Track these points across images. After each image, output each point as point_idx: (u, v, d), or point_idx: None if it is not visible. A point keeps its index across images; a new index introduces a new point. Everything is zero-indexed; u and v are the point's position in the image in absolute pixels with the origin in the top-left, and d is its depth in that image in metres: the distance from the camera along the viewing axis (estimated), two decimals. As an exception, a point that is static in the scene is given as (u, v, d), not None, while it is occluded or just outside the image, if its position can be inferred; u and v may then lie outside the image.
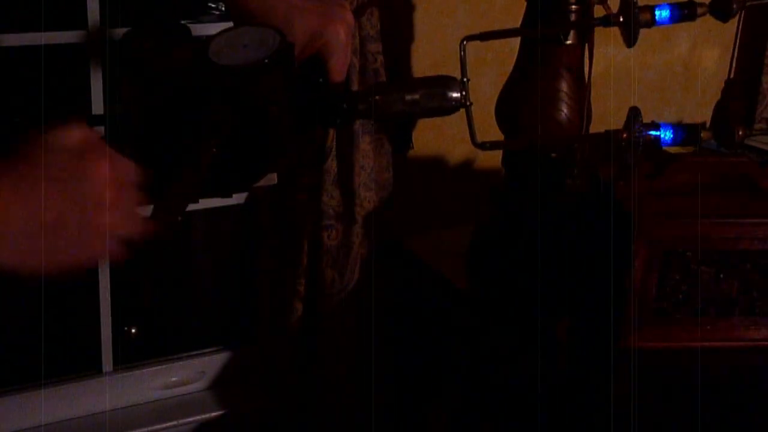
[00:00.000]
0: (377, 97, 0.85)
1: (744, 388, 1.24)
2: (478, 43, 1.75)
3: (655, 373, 1.25)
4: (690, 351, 1.26)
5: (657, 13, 1.13)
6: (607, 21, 1.09)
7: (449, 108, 0.87)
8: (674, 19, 1.14)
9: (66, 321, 2.08)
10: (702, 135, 1.04)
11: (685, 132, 1.02)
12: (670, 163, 1.42)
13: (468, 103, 0.87)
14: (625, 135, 0.96)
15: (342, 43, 0.86)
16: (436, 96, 0.86)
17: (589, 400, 1.24)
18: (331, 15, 0.86)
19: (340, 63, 0.87)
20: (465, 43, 0.92)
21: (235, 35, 0.82)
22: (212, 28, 1.71)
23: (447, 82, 0.86)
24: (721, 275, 1.25)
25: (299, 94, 0.83)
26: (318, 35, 0.85)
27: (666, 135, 1.04)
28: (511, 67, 1.46)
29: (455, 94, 0.86)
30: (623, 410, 1.19)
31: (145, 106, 0.81)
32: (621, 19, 1.08)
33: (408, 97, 0.85)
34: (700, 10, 1.18)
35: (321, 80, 0.85)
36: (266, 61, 0.79)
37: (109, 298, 1.70)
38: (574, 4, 1.36)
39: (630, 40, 1.09)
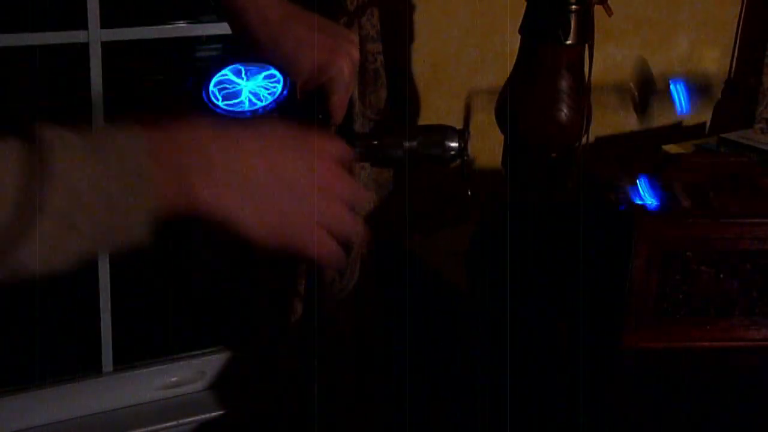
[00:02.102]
0: (375, 142, 0.85)
1: (744, 388, 1.24)
2: (478, 42, 1.76)
3: (655, 373, 1.25)
4: (690, 351, 1.26)
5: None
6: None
7: (447, 158, 0.87)
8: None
9: (66, 321, 2.08)
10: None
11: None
12: (670, 163, 1.42)
13: (465, 156, 0.87)
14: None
15: (346, 80, 0.86)
16: (434, 144, 0.86)
17: (589, 400, 1.24)
18: (338, 50, 0.86)
19: (342, 100, 0.87)
20: (470, 96, 0.91)
21: (243, 69, 0.83)
22: (211, 29, 1.70)
23: (446, 132, 0.87)
24: (721, 275, 1.25)
25: None
26: (324, 70, 0.85)
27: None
28: (511, 67, 1.46)
29: (454, 144, 0.86)
30: (623, 410, 1.19)
31: None
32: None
33: (406, 144, 0.86)
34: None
35: (320, 116, 0.85)
36: (273, 112, 0.80)
37: (109, 298, 1.70)
38: (574, 4, 1.36)
39: (644, 108, 1.08)
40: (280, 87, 0.83)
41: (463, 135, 0.87)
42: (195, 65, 2.64)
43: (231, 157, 0.66)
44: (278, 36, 0.85)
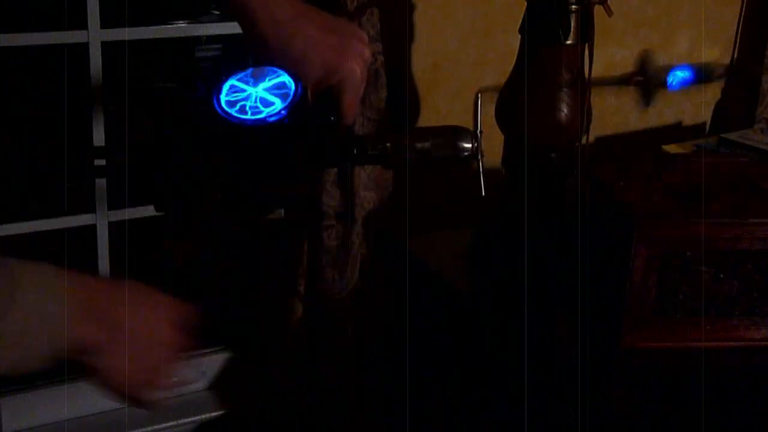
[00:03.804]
0: (387, 144, 0.85)
1: (744, 388, 1.24)
2: (479, 42, 1.76)
3: (655, 373, 1.25)
4: (690, 351, 1.26)
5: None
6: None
7: (460, 158, 0.87)
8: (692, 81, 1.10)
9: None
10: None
11: None
12: (670, 163, 1.42)
13: (480, 156, 0.86)
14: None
15: (357, 81, 0.85)
16: (447, 146, 0.86)
17: (589, 400, 1.24)
18: (349, 51, 0.85)
19: (353, 101, 0.86)
20: (480, 96, 0.90)
21: (251, 74, 0.82)
22: (211, 29, 1.70)
23: (459, 133, 0.86)
24: (721, 275, 1.25)
25: (310, 136, 0.83)
26: (335, 71, 0.84)
27: None
28: (511, 67, 1.46)
29: (467, 145, 0.86)
30: (623, 410, 1.19)
31: (154, 148, 0.83)
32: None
33: (419, 145, 0.85)
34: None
35: (332, 118, 0.85)
36: (284, 119, 0.80)
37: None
38: (574, 4, 1.36)
39: (647, 100, 1.07)
40: (290, 92, 0.82)
41: (476, 135, 0.86)
42: (200, 67, 2.64)
43: (115, 318, 0.78)
44: (288, 36, 0.83)
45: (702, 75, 1.10)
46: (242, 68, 0.83)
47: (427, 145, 0.85)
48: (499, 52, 1.74)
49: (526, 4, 1.41)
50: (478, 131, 0.87)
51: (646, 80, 1.02)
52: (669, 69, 1.01)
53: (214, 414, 1.76)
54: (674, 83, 1.08)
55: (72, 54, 1.59)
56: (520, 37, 1.43)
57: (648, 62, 1.02)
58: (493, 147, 1.56)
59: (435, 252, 1.61)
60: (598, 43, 1.38)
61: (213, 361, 1.82)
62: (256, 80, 0.83)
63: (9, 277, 0.70)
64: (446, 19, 1.74)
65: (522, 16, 1.42)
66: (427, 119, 1.76)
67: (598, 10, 1.37)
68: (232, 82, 0.82)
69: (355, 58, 0.85)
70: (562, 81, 1.39)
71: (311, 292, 1.64)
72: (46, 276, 0.75)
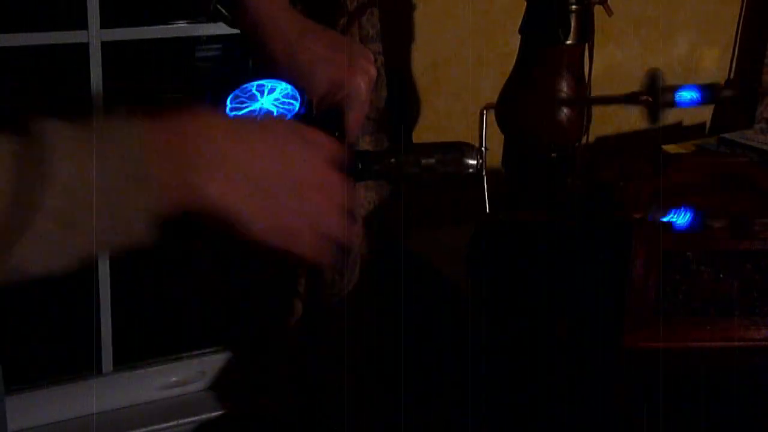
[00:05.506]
0: (392, 160, 0.85)
1: (744, 388, 1.24)
2: (478, 42, 1.76)
3: (655, 373, 1.25)
4: (690, 351, 1.26)
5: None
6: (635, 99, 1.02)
7: (465, 175, 0.87)
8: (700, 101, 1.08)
9: (66, 321, 2.08)
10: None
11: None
12: (670, 163, 1.42)
13: (484, 173, 0.86)
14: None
15: (362, 98, 0.86)
16: (452, 162, 0.86)
17: (589, 400, 1.24)
18: (355, 68, 0.86)
19: (359, 117, 0.87)
20: (485, 112, 0.90)
21: (255, 88, 0.83)
22: (211, 28, 1.71)
23: (464, 149, 0.86)
24: (721, 275, 1.25)
25: None
26: (340, 87, 0.85)
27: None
28: (511, 67, 1.46)
29: (471, 161, 0.86)
30: (623, 410, 1.19)
31: None
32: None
33: (424, 161, 0.85)
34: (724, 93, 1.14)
35: (337, 134, 0.85)
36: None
37: (109, 298, 1.70)
38: (574, 4, 1.36)
39: (656, 117, 1.06)
40: (296, 104, 0.82)
41: (480, 152, 0.87)
42: (201, 70, 2.64)
43: (239, 153, 0.64)
44: (295, 51, 0.84)
45: (710, 95, 1.09)
46: (246, 81, 0.83)
47: (431, 161, 0.85)
48: (499, 52, 1.74)
49: (526, 4, 1.41)
50: (483, 147, 0.87)
51: (655, 101, 1.00)
52: (676, 88, 1.00)
53: (214, 414, 1.76)
54: (681, 102, 1.07)
55: (72, 54, 1.59)
56: (520, 37, 1.43)
57: (655, 82, 1.01)
58: (493, 147, 1.56)
59: (435, 250, 1.61)
60: (598, 43, 1.38)
61: (213, 361, 1.82)
62: (261, 94, 0.83)
63: (38, 150, 0.53)
64: (446, 19, 1.74)
65: (522, 16, 1.42)
66: (427, 119, 1.76)
67: (598, 10, 1.37)
68: (237, 93, 0.82)
69: (361, 75, 0.86)
70: (562, 81, 1.39)
71: (311, 292, 1.64)
72: (92, 131, 0.56)
